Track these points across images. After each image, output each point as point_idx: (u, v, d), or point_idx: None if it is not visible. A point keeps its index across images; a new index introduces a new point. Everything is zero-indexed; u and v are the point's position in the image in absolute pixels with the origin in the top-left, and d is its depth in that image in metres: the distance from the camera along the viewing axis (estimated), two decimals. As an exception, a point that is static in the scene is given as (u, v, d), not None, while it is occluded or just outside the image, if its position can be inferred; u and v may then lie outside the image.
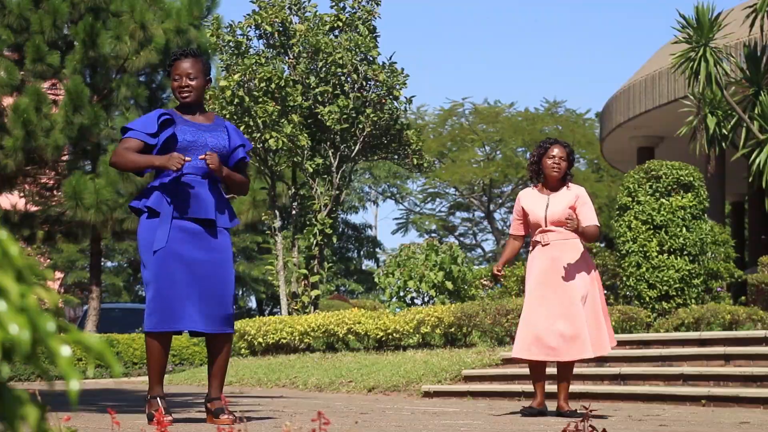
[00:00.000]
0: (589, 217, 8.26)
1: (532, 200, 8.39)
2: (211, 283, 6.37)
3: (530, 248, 8.50)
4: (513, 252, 8.68)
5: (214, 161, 6.39)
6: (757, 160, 16.00)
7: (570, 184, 8.43)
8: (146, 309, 6.34)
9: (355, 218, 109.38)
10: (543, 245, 8.26)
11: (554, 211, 8.23)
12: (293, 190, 21.60)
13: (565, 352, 8.11)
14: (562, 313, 8.11)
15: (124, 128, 6.61)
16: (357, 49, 20.90)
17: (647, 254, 15.17)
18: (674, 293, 15.06)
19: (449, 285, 18.94)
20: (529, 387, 11.63)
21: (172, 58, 6.67)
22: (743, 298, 17.66)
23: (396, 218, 56.42)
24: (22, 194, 20.20)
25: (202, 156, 6.40)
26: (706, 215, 15.65)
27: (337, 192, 21.43)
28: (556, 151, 8.35)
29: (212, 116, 6.74)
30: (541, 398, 8.37)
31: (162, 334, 6.35)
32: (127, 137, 6.54)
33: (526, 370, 11.58)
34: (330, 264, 25.02)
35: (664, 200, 15.25)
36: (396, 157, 22.35)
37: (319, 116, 20.94)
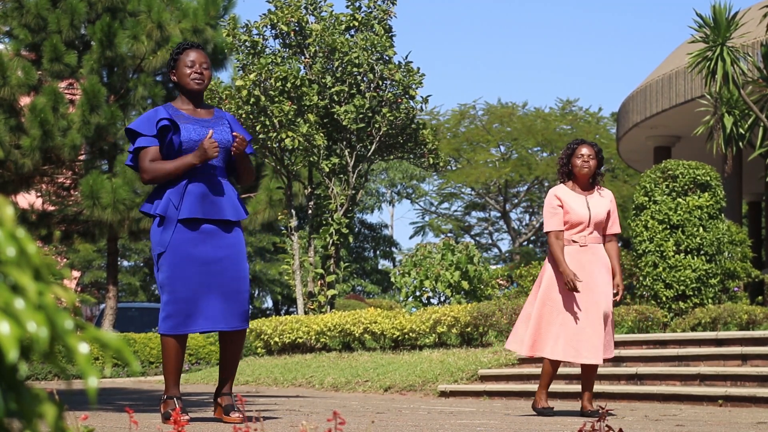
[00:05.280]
0: (616, 225, 8.47)
1: (570, 198, 8.35)
2: (228, 279, 6.38)
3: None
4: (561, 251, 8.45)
5: (241, 146, 6.45)
6: (775, 160, 15.95)
7: (601, 187, 8.48)
8: (162, 311, 6.33)
9: (371, 218, 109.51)
10: (581, 246, 8.27)
11: (597, 213, 8.31)
12: (309, 190, 21.62)
13: (588, 355, 8.11)
14: (591, 317, 8.12)
15: (132, 132, 6.49)
16: (373, 49, 20.91)
17: (664, 254, 15.14)
18: (691, 293, 15.02)
19: (465, 285, 18.93)
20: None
21: (182, 48, 6.65)
22: (760, 297, 17.62)
23: (413, 222, 56.37)
24: (39, 194, 20.26)
25: (209, 139, 6.41)
26: (722, 215, 15.61)
27: (354, 191, 21.43)
28: (584, 150, 8.40)
29: (212, 110, 6.73)
30: (546, 396, 8.47)
31: (178, 336, 6.36)
32: (143, 148, 6.45)
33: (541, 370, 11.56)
34: (346, 264, 25.05)
35: (680, 200, 15.22)
36: (412, 156, 22.35)
37: (335, 116, 20.95)
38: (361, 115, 20.80)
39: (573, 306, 8.21)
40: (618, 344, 13.21)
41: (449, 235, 52.67)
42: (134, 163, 6.53)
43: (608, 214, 8.39)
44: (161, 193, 6.43)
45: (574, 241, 8.32)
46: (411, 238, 58.36)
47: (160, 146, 6.46)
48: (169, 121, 6.47)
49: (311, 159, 20.80)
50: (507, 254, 53.58)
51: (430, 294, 19.61)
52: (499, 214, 52.22)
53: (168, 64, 6.72)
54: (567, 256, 8.26)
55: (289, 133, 20.22)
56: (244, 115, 20.16)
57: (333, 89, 20.85)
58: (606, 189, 8.56)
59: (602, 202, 8.39)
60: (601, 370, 12.09)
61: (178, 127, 6.45)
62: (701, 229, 15.15)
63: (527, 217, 52.33)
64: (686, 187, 15.30)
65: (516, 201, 50.35)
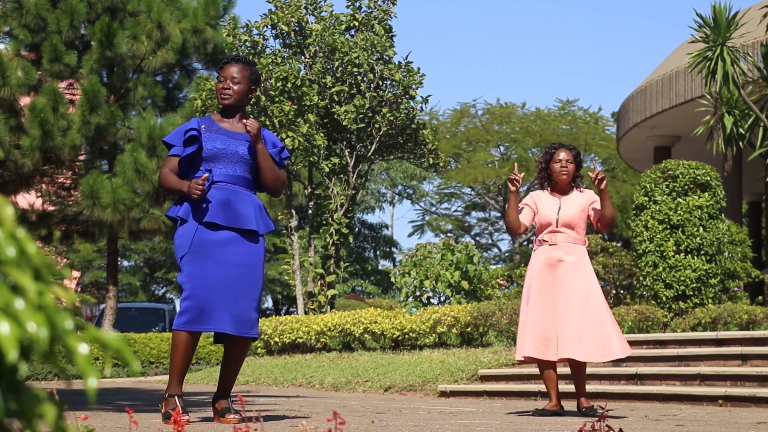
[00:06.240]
0: (598, 203, 8.30)
1: (544, 201, 8.38)
2: (241, 286, 6.44)
3: (534, 247, 8.46)
4: (517, 213, 8.41)
5: (253, 127, 6.49)
6: (775, 160, 15.95)
7: (582, 188, 8.44)
8: (179, 308, 6.43)
9: (372, 218, 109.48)
10: (550, 245, 8.25)
11: (566, 213, 8.24)
12: (309, 190, 21.61)
13: (560, 351, 8.10)
14: (563, 313, 8.11)
15: (166, 144, 6.77)
16: (373, 49, 20.90)
17: (664, 254, 15.13)
18: (691, 293, 15.02)
19: (465, 284, 18.92)
20: (545, 387, 11.62)
21: (223, 62, 6.78)
22: (760, 297, 17.62)
23: (412, 221, 56.37)
24: (39, 194, 20.23)
25: (244, 121, 6.48)
26: (722, 215, 15.61)
27: (354, 191, 21.43)
28: (562, 155, 8.36)
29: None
30: (555, 400, 8.36)
31: (190, 333, 6.40)
32: (170, 156, 6.70)
33: (542, 370, 11.57)
34: (346, 264, 25.07)
35: (680, 200, 15.22)
36: (412, 156, 22.35)
37: (335, 116, 20.95)
38: (361, 115, 20.80)
39: (540, 304, 8.19)
40: (618, 344, 13.20)
41: (449, 234, 52.67)
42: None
43: (583, 211, 8.30)
44: (183, 200, 6.54)
45: (544, 241, 8.31)
46: (410, 236, 58.43)
47: (193, 152, 6.62)
48: (197, 131, 6.61)
49: (311, 159, 20.79)
50: (507, 254, 53.58)
51: (430, 294, 19.60)
52: (499, 214, 52.21)
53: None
54: (537, 256, 8.29)
55: (290, 133, 20.21)
56: (244, 115, 20.14)
57: (333, 89, 20.84)
58: (587, 190, 8.49)
59: (575, 201, 8.32)
60: (601, 370, 12.10)
61: (200, 138, 6.61)
62: (701, 229, 15.15)
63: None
64: (686, 187, 15.30)
65: (516, 201, 50.26)
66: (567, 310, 8.11)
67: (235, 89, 6.65)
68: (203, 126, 6.64)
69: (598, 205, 8.29)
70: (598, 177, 7.97)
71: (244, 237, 6.53)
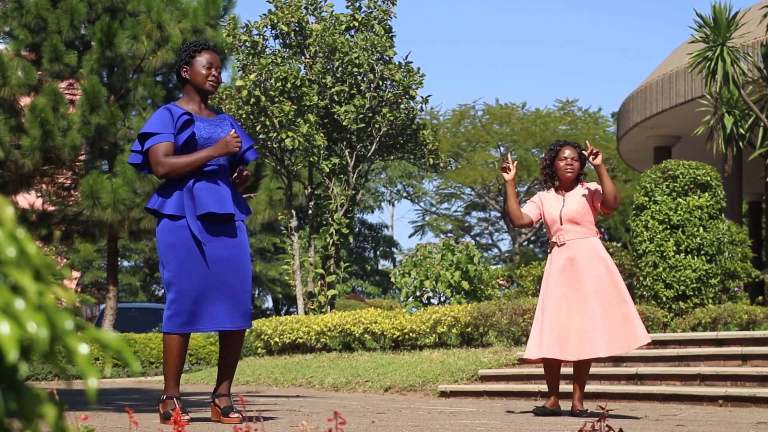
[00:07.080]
0: (596, 185, 8.38)
1: (549, 200, 8.40)
2: (232, 279, 6.39)
3: (548, 250, 8.48)
4: (516, 202, 8.41)
5: (238, 143, 6.44)
6: (775, 160, 15.95)
7: (585, 183, 8.45)
8: (167, 309, 6.30)
9: (372, 218, 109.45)
10: (559, 245, 8.26)
11: (569, 209, 8.25)
12: (309, 190, 21.61)
13: (580, 351, 8.10)
14: (579, 313, 8.11)
15: (145, 134, 6.44)
16: (373, 49, 20.90)
17: (664, 254, 15.13)
18: (691, 293, 15.02)
19: (465, 285, 18.92)
20: (545, 387, 11.61)
21: (201, 46, 6.59)
22: (760, 297, 17.62)
23: (412, 221, 56.38)
24: (39, 194, 20.25)
25: (232, 134, 6.41)
26: (723, 215, 15.61)
27: (354, 192, 21.43)
28: (567, 152, 8.38)
29: (213, 111, 6.71)
30: (554, 399, 8.38)
31: (182, 334, 6.35)
32: (155, 144, 6.38)
33: (542, 370, 11.57)
34: (346, 264, 25.07)
35: (681, 200, 15.22)
36: (412, 157, 22.34)
37: (335, 116, 20.94)
38: (361, 116, 20.79)
39: (555, 306, 8.18)
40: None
41: (449, 235, 52.66)
42: (142, 161, 6.51)
43: (586, 202, 8.30)
44: (170, 193, 6.40)
45: (554, 243, 8.32)
46: (410, 237, 58.49)
47: (178, 143, 6.44)
48: (190, 116, 6.46)
49: (311, 159, 20.79)
50: (507, 254, 53.56)
51: (431, 294, 19.60)
52: (499, 214, 52.20)
53: (181, 59, 6.58)
54: (551, 260, 8.31)
55: (290, 134, 20.21)
56: (244, 116, 20.14)
57: (333, 89, 20.84)
58: (589, 183, 8.50)
59: (578, 195, 8.33)
60: (601, 370, 12.10)
61: (193, 122, 6.46)
62: (701, 229, 15.15)
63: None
64: (686, 187, 15.30)
65: (516, 201, 50.28)
66: (585, 306, 8.10)
67: (219, 78, 6.62)
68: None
69: (596, 187, 8.31)
70: (593, 152, 8.02)
71: (229, 229, 6.45)
